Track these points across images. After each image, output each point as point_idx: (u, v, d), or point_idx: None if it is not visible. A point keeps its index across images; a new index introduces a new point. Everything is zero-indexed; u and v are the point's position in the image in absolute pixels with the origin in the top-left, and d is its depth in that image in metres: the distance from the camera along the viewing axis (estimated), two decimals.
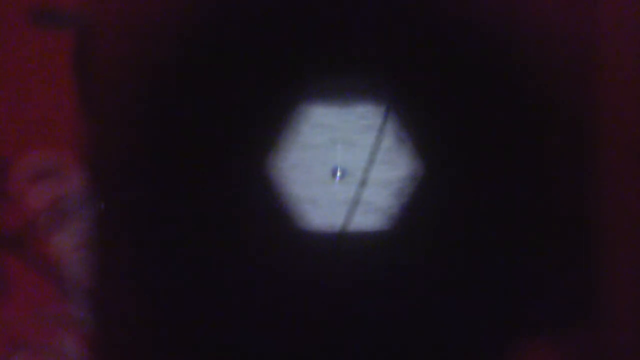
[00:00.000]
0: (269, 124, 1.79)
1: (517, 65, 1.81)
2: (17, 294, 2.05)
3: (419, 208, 1.83)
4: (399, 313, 1.82)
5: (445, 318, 1.81)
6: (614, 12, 1.85)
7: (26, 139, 2.04)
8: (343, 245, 1.79)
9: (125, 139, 1.86)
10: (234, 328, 1.83)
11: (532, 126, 1.83)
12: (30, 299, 2.04)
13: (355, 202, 1.74)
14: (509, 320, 1.83)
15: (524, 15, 1.81)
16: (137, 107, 1.85)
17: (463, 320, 1.82)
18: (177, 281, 1.86)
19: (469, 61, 1.81)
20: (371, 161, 1.72)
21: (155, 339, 1.91)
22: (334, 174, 1.74)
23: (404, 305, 1.82)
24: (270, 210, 1.81)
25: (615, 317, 1.86)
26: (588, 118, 1.84)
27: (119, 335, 1.93)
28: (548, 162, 1.85)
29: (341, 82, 1.80)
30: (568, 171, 1.85)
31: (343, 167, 1.76)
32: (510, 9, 1.81)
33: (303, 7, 1.64)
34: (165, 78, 1.82)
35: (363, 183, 1.75)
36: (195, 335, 1.87)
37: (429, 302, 1.82)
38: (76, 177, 2.03)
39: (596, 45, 1.84)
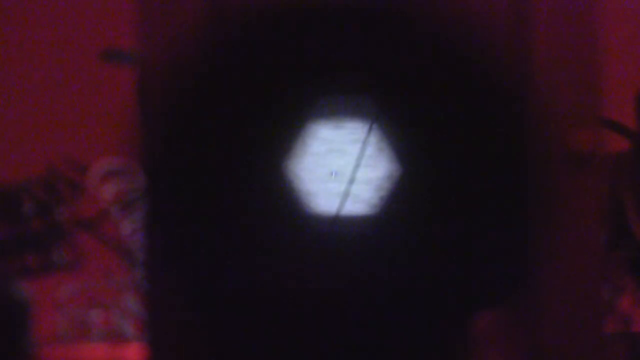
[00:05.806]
0: (284, 137, 1.94)
1: (476, 85, 1.71)
2: (92, 265, 2.40)
3: (394, 200, 1.99)
4: (377, 280, 1.85)
5: (408, 289, 1.81)
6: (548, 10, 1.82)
7: (100, 148, 2.34)
8: (337, 227, 1.95)
9: (176, 150, 1.88)
10: (252, 289, 1.80)
11: (483, 133, 1.76)
12: (103, 268, 2.42)
13: (345, 195, 1.90)
14: (465, 293, 1.79)
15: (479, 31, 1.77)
16: (185, 126, 1.90)
17: (424, 292, 1.81)
18: (212, 256, 1.86)
19: (433, 89, 1.81)
20: (358, 165, 1.89)
21: (195, 299, 1.88)
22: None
23: (380, 273, 1.88)
24: (284, 200, 1.97)
25: (551, 286, 1.86)
26: (528, 113, 1.75)
27: (169, 296, 1.94)
28: (494, 161, 1.77)
29: (336, 106, 1.96)
30: (511, 165, 1.78)
31: (337, 169, 1.92)
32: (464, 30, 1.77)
33: (312, 58, 1.74)
34: (205, 105, 1.85)
35: (352, 181, 1.91)
36: (227, 298, 1.81)
37: (401, 272, 1.87)
38: (137, 177, 2.05)
39: (529, 43, 1.79)
